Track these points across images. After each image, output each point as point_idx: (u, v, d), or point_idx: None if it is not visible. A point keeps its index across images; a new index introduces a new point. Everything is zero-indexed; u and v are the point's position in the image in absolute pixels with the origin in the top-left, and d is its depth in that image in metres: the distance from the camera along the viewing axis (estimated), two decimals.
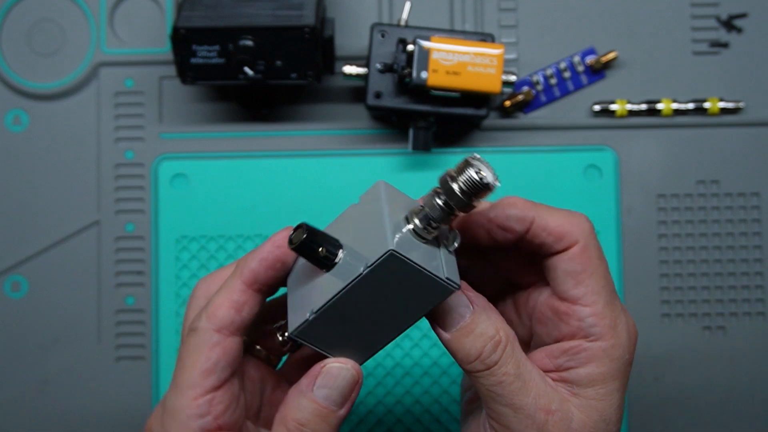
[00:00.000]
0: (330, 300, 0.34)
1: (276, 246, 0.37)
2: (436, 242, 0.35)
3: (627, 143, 0.55)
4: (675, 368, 0.54)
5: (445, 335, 0.36)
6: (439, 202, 0.35)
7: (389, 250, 0.33)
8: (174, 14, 0.56)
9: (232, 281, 0.37)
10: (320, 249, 0.34)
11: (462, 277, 0.36)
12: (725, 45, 0.56)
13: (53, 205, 0.56)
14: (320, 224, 0.36)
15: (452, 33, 0.52)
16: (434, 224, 0.34)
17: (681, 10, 0.56)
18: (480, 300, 0.36)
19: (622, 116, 0.55)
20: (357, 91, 0.56)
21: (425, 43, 0.51)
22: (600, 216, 0.55)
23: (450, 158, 0.55)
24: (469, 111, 0.52)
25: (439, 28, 0.54)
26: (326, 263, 0.35)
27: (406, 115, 0.53)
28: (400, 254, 0.33)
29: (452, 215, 0.34)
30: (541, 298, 0.38)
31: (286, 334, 0.37)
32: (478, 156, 0.35)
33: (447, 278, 0.34)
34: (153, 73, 0.56)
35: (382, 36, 0.52)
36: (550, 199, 0.54)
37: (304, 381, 0.36)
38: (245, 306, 0.37)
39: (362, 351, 0.36)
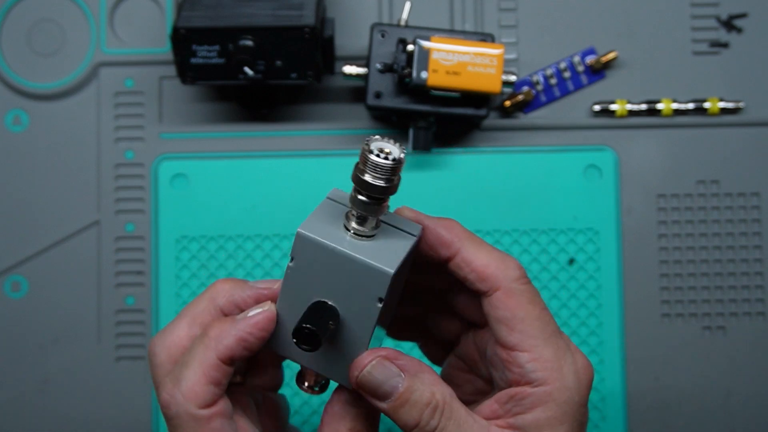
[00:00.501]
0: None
1: (259, 329, 0.36)
2: (394, 231, 0.36)
3: (627, 143, 0.55)
4: (675, 368, 0.54)
5: (383, 405, 0.35)
6: (362, 198, 0.34)
7: (392, 273, 0.33)
8: (174, 14, 0.56)
9: (205, 355, 0.35)
10: (330, 325, 0.34)
11: (401, 334, 0.39)
12: (725, 45, 0.56)
13: (53, 205, 0.56)
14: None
15: (452, 33, 0.52)
16: (371, 219, 0.35)
17: (681, 10, 0.56)
18: (411, 365, 0.35)
19: (622, 116, 0.55)
20: (357, 91, 0.56)
21: (425, 43, 0.51)
22: (600, 216, 0.55)
23: (450, 158, 0.55)
24: (469, 111, 0.52)
25: (439, 28, 0.54)
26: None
27: (406, 115, 0.53)
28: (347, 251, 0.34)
29: (383, 200, 0.34)
30: (489, 344, 0.38)
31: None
32: (375, 137, 0.34)
33: (416, 234, 0.35)
34: (153, 73, 0.56)
35: (382, 36, 0.52)
36: (550, 199, 0.54)
37: (337, 408, 0.36)
38: (223, 379, 0.36)
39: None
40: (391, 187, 0.34)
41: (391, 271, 0.34)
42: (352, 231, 0.35)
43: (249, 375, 0.40)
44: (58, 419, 0.55)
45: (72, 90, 0.56)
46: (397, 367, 0.35)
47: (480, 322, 0.39)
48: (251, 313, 0.36)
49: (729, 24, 0.56)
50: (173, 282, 0.55)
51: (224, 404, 0.36)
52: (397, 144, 0.34)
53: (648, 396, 0.54)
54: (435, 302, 0.41)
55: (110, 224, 0.55)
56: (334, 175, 0.55)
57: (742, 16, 0.56)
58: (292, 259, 0.35)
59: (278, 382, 0.42)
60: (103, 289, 0.55)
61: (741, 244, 0.55)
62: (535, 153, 0.55)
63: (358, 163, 0.34)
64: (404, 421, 0.35)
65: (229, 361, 0.35)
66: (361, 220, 0.35)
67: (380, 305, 0.34)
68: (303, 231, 0.34)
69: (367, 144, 0.34)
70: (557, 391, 0.35)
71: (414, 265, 0.38)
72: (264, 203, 0.55)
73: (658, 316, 0.55)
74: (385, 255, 0.34)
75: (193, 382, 0.35)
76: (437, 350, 0.43)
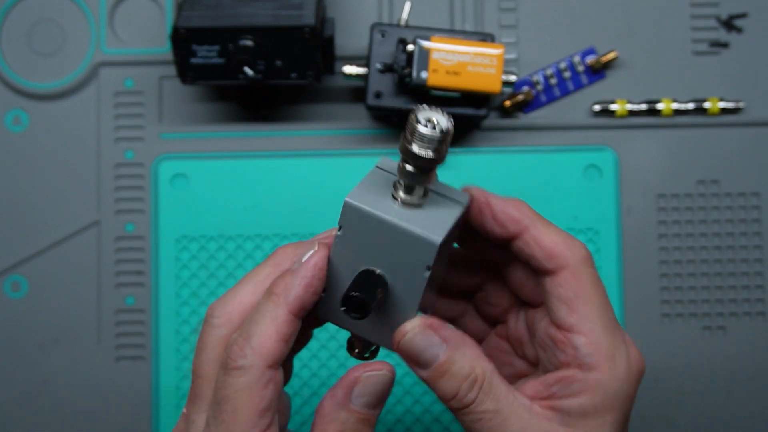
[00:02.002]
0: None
1: (318, 269, 0.35)
2: (442, 200, 0.36)
3: (627, 143, 0.55)
4: (675, 368, 0.54)
5: (423, 374, 0.35)
6: (409, 168, 0.34)
7: (438, 243, 0.34)
8: (174, 14, 0.56)
9: (276, 310, 0.35)
10: (378, 293, 0.34)
11: (447, 306, 0.38)
12: (725, 45, 0.56)
13: (53, 205, 0.56)
14: (319, 226, 0.36)
15: (452, 33, 0.52)
16: (418, 188, 0.34)
17: (681, 10, 0.56)
18: (454, 336, 0.35)
19: (622, 116, 0.55)
20: (357, 91, 0.56)
21: (425, 43, 0.51)
22: (600, 216, 0.55)
23: (450, 158, 0.55)
24: (469, 111, 0.52)
25: (439, 28, 0.54)
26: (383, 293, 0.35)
27: (406, 115, 0.53)
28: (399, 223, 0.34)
29: (430, 170, 0.34)
30: (542, 324, 0.38)
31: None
32: (423, 106, 0.34)
33: (465, 203, 0.35)
34: (153, 73, 0.56)
35: (382, 36, 0.53)
36: (550, 199, 0.54)
37: (340, 392, 0.35)
38: (292, 337, 0.35)
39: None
40: (439, 158, 0.34)
41: (439, 239, 0.34)
42: (399, 200, 0.35)
43: None
44: (58, 419, 0.55)
45: (72, 90, 0.56)
46: (440, 337, 0.35)
47: (534, 301, 0.39)
48: (305, 257, 0.35)
49: (729, 24, 0.56)
50: (173, 282, 0.55)
51: (281, 376, 0.35)
52: (446, 114, 0.34)
53: (648, 396, 0.54)
54: (489, 276, 0.41)
55: (110, 224, 0.55)
56: (334, 175, 0.55)
57: (742, 16, 0.56)
58: (339, 228, 0.35)
59: (289, 372, 0.40)
60: (103, 289, 0.55)
61: (741, 244, 0.55)
62: (535, 153, 0.55)
63: (405, 133, 0.34)
64: (443, 391, 0.35)
65: (301, 312, 0.35)
66: (409, 190, 0.35)
67: (428, 273, 0.34)
68: (350, 200, 0.34)
69: (414, 114, 0.33)
70: (608, 380, 0.35)
71: (473, 236, 0.38)
72: (264, 203, 0.55)
73: (658, 316, 0.55)
74: (433, 224, 0.34)
75: (264, 338, 0.34)
76: (479, 326, 0.42)
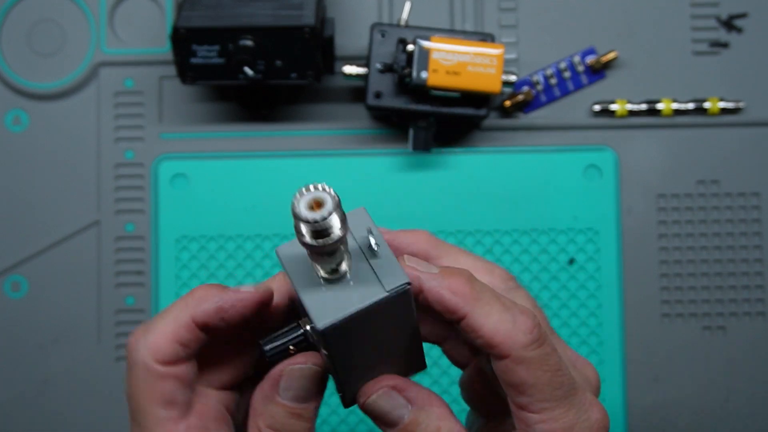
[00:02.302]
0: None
1: (242, 305, 0.34)
2: (372, 279, 0.33)
3: (627, 143, 0.55)
4: (675, 368, 0.54)
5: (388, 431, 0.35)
6: (313, 252, 0.31)
7: (320, 329, 0.31)
8: (174, 14, 0.56)
9: (181, 313, 0.34)
10: (290, 348, 0.34)
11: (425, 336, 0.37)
12: (725, 45, 0.56)
13: (53, 205, 0.56)
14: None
15: (452, 33, 0.52)
16: (332, 265, 0.32)
17: (681, 10, 0.56)
18: (421, 397, 0.35)
19: (622, 116, 0.55)
20: (357, 91, 0.56)
21: (425, 43, 0.51)
22: (600, 216, 0.55)
23: (450, 158, 0.55)
24: (469, 111, 0.52)
25: (439, 28, 0.54)
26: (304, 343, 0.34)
27: (406, 115, 0.53)
28: (331, 322, 0.32)
29: (325, 251, 0.31)
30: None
31: (308, 327, 0.34)
32: (298, 193, 0.30)
33: (389, 290, 0.32)
34: (153, 73, 0.56)
35: (382, 36, 0.52)
36: (550, 199, 0.54)
37: (267, 385, 0.35)
38: (191, 343, 0.35)
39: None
40: (334, 239, 0.30)
41: (319, 326, 0.31)
42: (328, 279, 0.33)
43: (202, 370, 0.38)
44: (58, 419, 0.55)
45: (72, 90, 0.56)
46: (405, 398, 0.34)
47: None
48: (243, 288, 0.35)
49: (729, 24, 0.56)
50: (173, 282, 0.55)
51: (186, 369, 0.35)
52: (323, 187, 0.30)
53: (648, 396, 0.54)
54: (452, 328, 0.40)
55: (110, 224, 0.55)
56: (334, 175, 0.55)
57: (742, 16, 0.56)
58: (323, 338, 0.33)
59: (237, 379, 0.39)
60: (103, 289, 0.55)
61: (741, 244, 0.55)
62: (535, 153, 0.55)
63: (295, 228, 0.31)
64: None
65: (203, 325, 0.34)
66: (323, 265, 0.32)
67: (326, 354, 0.33)
68: (322, 325, 0.32)
69: (292, 207, 0.30)
70: None
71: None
72: (264, 203, 0.55)
73: (658, 316, 0.55)
74: (333, 305, 0.32)
75: (159, 335, 0.34)
76: (462, 353, 0.41)
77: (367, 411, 0.35)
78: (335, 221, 0.30)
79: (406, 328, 0.36)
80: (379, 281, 0.32)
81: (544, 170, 0.55)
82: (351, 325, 0.32)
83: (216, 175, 0.55)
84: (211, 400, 0.37)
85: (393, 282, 0.32)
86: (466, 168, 0.55)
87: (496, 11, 0.56)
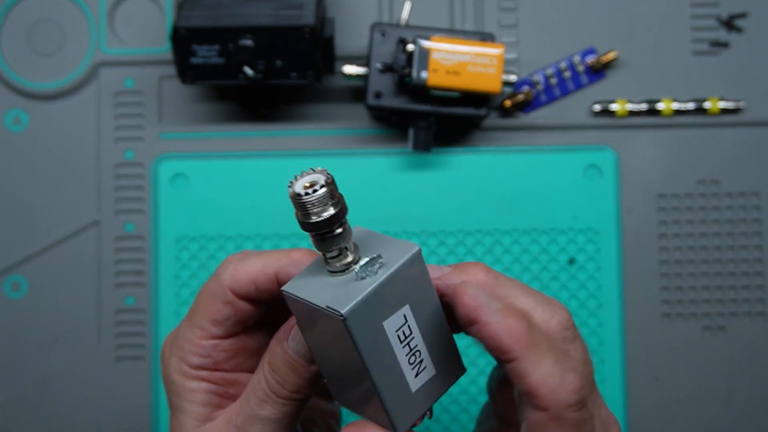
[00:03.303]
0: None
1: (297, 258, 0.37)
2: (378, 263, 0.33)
3: (627, 143, 0.55)
4: (675, 368, 0.54)
5: None
6: (316, 237, 0.33)
7: (343, 314, 0.31)
8: (174, 14, 0.56)
9: (271, 264, 0.37)
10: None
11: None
12: (725, 45, 0.56)
13: (53, 205, 0.56)
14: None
15: (452, 33, 0.52)
16: (342, 252, 0.32)
17: (681, 10, 0.56)
18: None
19: (622, 116, 0.55)
20: (357, 91, 0.56)
21: (425, 43, 0.51)
22: (600, 216, 0.55)
23: (450, 158, 0.55)
24: (469, 111, 0.52)
25: (439, 28, 0.54)
26: None
27: (406, 115, 0.53)
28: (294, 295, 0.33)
29: (330, 234, 0.32)
30: None
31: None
32: (293, 179, 0.32)
33: (327, 306, 0.31)
34: (153, 73, 0.56)
35: (382, 36, 0.52)
36: (550, 199, 0.54)
37: (282, 330, 0.37)
38: (265, 292, 0.37)
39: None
40: (324, 220, 0.31)
41: (341, 311, 0.31)
42: (329, 272, 0.33)
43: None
44: (58, 419, 0.55)
45: (72, 90, 0.56)
46: None
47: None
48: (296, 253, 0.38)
49: (729, 24, 0.56)
50: (173, 282, 0.55)
51: (246, 310, 0.38)
52: (317, 170, 0.32)
53: (648, 396, 0.54)
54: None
55: (110, 224, 0.55)
56: (334, 175, 0.55)
57: (742, 16, 0.56)
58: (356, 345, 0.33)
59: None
60: (103, 289, 0.55)
61: (741, 244, 0.55)
62: (535, 153, 0.55)
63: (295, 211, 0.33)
64: None
65: (285, 282, 0.36)
66: (332, 258, 0.33)
67: (359, 347, 0.32)
68: (285, 288, 0.34)
69: (290, 189, 0.32)
70: None
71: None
72: (264, 203, 0.55)
73: (658, 316, 0.55)
74: (345, 293, 0.31)
75: (245, 269, 0.37)
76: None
77: None
78: (326, 199, 0.31)
79: (433, 313, 0.34)
80: (387, 264, 0.32)
81: (544, 170, 0.55)
82: (371, 309, 0.32)
83: (216, 175, 0.55)
84: (254, 336, 0.40)
85: (400, 255, 0.32)
86: (466, 168, 0.55)
87: (496, 11, 0.56)
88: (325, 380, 0.37)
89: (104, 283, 0.55)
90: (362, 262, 0.32)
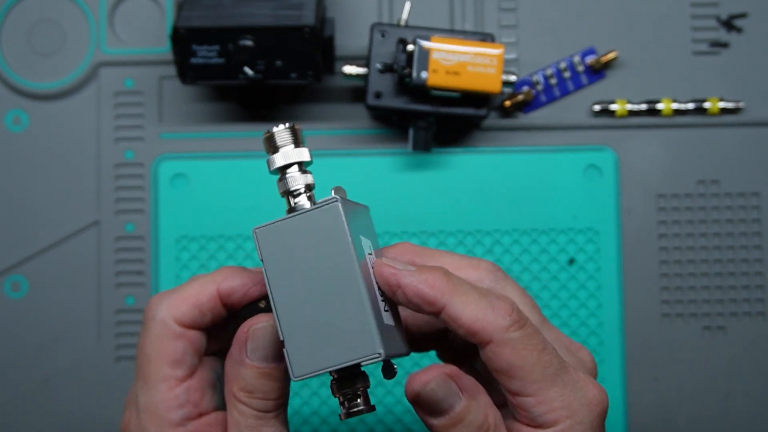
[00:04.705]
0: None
1: (263, 283, 0.36)
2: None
3: (627, 143, 0.55)
4: (675, 368, 0.54)
5: (432, 422, 0.34)
6: (277, 163, 0.37)
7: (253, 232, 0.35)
8: (174, 14, 0.56)
9: (207, 284, 0.37)
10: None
11: (419, 345, 0.39)
12: (725, 45, 0.56)
13: (53, 205, 0.56)
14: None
15: (452, 33, 0.52)
16: (298, 193, 0.36)
17: (681, 10, 0.56)
18: (471, 385, 0.35)
19: (622, 116, 0.55)
20: (357, 91, 0.56)
21: (425, 43, 0.51)
22: (600, 216, 0.55)
23: (450, 158, 0.55)
24: (469, 111, 0.52)
25: (439, 28, 0.54)
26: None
27: (406, 115, 0.53)
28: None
29: (286, 174, 0.36)
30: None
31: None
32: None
33: (318, 202, 0.36)
34: (153, 73, 0.56)
35: (382, 36, 0.52)
36: (550, 199, 0.54)
37: (235, 350, 0.36)
38: (209, 313, 0.37)
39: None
40: (277, 155, 0.36)
41: (337, 201, 0.34)
42: (292, 208, 0.36)
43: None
44: (58, 419, 0.55)
45: (72, 90, 0.56)
46: (458, 386, 0.34)
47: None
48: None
49: (729, 24, 0.56)
50: (173, 282, 0.55)
51: (199, 337, 0.37)
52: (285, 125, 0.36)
53: (648, 396, 0.54)
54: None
55: (110, 224, 0.55)
56: (334, 175, 0.55)
57: (742, 16, 0.56)
58: (262, 261, 0.35)
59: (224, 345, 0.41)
60: (103, 289, 0.55)
61: (741, 244, 0.55)
62: (535, 153, 0.55)
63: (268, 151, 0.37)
64: None
65: (225, 299, 0.37)
66: (294, 197, 0.36)
67: (349, 238, 0.34)
68: (256, 228, 0.35)
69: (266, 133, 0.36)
70: (570, 429, 0.34)
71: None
72: (264, 203, 0.55)
73: (658, 316, 0.55)
74: (326, 201, 0.35)
75: (181, 299, 0.36)
76: (454, 358, 0.42)
77: (420, 399, 0.34)
78: (285, 139, 0.36)
79: (348, 271, 0.35)
80: (314, 207, 0.35)
81: (544, 170, 0.55)
82: (350, 214, 0.35)
83: (216, 175, 0.55)
84: (206, 366, 0.38)
85: (323, 203, 0.35)
86: (466, 168, 0.55)
87: (496, 11, 0.56)
88: (284, 346, 0.35)
89: (104, 283, 0.55)
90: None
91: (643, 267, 0.55)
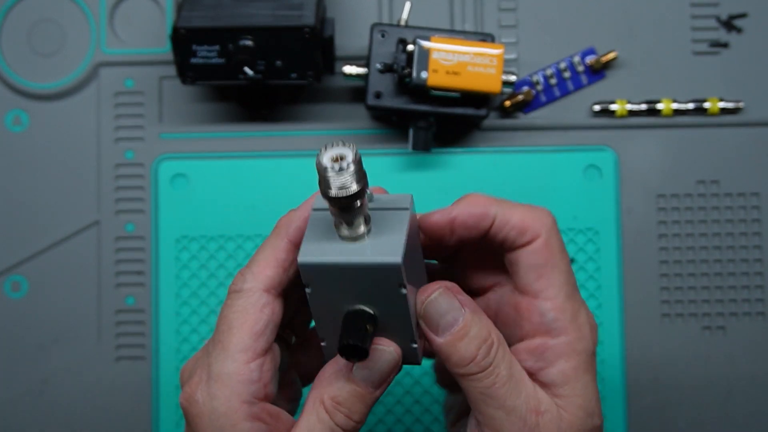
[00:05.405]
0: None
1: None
2: (387, 214, 0.36)
3: (627, 143, 0.55)
4: (674, 368, 0.54)
5: (438, 340, 0.35)
6: (337, 209, 0.34)
7: (299, 262, 0.34)
8: (174, 14, 0.56)
9: (276, 241, 0.37)
10: (369, 328, 0.35)
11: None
12: (725, 45, 0.56)
13: (53, 205, 0.56)
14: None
15: (452, 33, 0.52)
16: (357, 219, 0.34)
17: (681, 10, 0.56)
18: (470, 302, 0.36)
19: (622, 116, 0.55)
20: (357, 91, 0.56)
21: (425, 43, 0.51)
22: (600, 216, 0.55)
23: (450, 158, 0.55)
24: (469, 111, 0.52)
25: (439, 28, 0.54)
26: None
27: (406, 115, 0.53)
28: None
29: (357, 204, 0.34)
30: (503, 299, 0.39)
31: None
32: (323, 147, 0.33)
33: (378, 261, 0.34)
34: (153, 73, 0.56)
35: (382, 36, 0.52)
36: (550, 199, 0.54)
37: (343, 360, 0.36)
38: (291, 266, 0.37)
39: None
40: (358, 189, 0.32)
41: (398, 259, 0.33)
42: (346, 237, 0.34)
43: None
44: (58, 419, 0.55)
45: (72, 90, 0.56)
46: (458, 301, 0.36)
47: (481, 287, 0.40)
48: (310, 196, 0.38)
49: (729, 24, 0.56)
50: (173, 282, 0.55)
51: (280, 308, 0.37)
52: (347, 144, 0.33)
53: (648, 395, 0.54)
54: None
55: (110, 224, 0.55)
56: None
57: (742, 16, 0.56)
58: (307, 286, 0.35)
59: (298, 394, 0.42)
60: (103, 289, 0.55)
61: (741, 244, 0.55)
62: (535, 153, 0.55)
63: (319, 180, 0.33)
64: (461, 355, 0.35)
65: (299, 240, 0.36)
66: (349, 224, 0.34)
67: (404, 291, 0.34)
68: (302, 259, 0.34)
69: (317, 160, 0.33)
70: (577, 341, 0.36)
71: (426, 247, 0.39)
72: (264, 203, 0.55)
73: (658, 316, 0.55)
74: (387, 245, 0.34)
75: (263, 265, 0.37)
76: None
77: (427, 312, 0.35)
78: (353, 175, 0.32)
79: (418, 258, 0.37)
80: (394, 209, 0.36)
81: (544, 170, 0.55)
82: (331, 275, 0.34)
83: (216, 175, 0.55)
84: (274, 351, 0.38)
85: (403, 201, 0.36)
86: (466, 168, 0.55)
87: (496, 11, 0.56)
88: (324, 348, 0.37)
89: (104, 283, 0.55)
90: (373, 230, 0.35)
91: (643, 267, 0.55)
